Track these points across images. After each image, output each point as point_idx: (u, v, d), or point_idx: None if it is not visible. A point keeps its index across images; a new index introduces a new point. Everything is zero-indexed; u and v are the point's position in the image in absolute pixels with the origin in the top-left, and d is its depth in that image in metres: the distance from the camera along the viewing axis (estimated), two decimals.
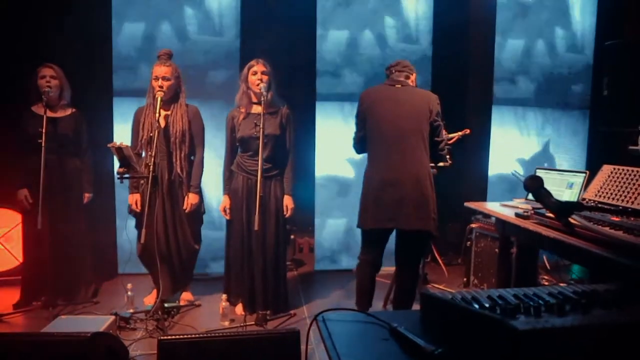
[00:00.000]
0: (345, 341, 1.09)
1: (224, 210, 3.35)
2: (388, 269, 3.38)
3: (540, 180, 1.25)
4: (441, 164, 3.11)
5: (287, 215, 3.34)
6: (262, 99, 3.10)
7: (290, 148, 3.37)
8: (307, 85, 4.38)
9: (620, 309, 1.03)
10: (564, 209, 1.18)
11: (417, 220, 2.78)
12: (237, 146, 3.34)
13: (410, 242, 2.92)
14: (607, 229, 2.01)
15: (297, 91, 4.29)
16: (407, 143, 2.82)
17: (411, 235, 2.86)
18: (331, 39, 4.30)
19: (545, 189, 1.23)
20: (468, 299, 1.12)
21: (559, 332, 0.90)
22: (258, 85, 3.15)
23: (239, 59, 4.12)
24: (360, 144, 3.05)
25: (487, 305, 1.06)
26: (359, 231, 3.03)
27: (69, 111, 3.49)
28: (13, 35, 3.89)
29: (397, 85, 2.94)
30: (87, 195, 3.57)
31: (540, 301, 1.07)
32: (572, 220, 1.14)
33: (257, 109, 3.23)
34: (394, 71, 2.99)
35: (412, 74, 3.03)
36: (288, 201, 3.33)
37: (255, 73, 3.19)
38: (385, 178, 2.81)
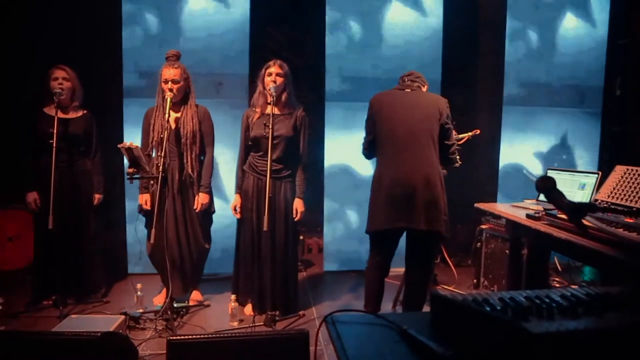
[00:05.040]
0: (354, 343, 1.08)
1: (235, 209, 3.35)
2: (397, 270, 3.36)
3: (552, 181, 1.23)
4: (452, 165, 3.10)
5: (296, 219, 3.32)
6: (271, 99, 3.11)
7: (304, 152, 3.36)
8: (315, 86, 4.38)
9: (636, 313, 1.01)
10: (577, 210, 1.16)
11: (428, 221, 2.76)
12: (250, 146, 3.34)
13: (420, 243, 2.90)
14: (620, 230, 1.99)
15: (306, 92, 4.28)
16: (418, 144, 2.81)
17: (422, 236, 2.84)
18: (340, 39, 4.30)
19: (557, 190, 1.21)
20: (479, 301, 1.11)
21: (573, 336, 0.89)
22: (270, 85, 3.16)
23: (248, 59, 4.13)
24: (369, 149, 3.03)
25: (498, 307, 1.04)
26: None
27: (80, 112, 3.51)
28: (24, 36, 3.93)
29: (407, 90, 2.94)
30: (97, 196, 3.58)
31: (553, 304, 1.05)
32: (585, 222, 1.12)
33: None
34: (406, 80, 3.00)
35: (424, 86, 3.02)
36: (298, 204, 3.32)
37: (270, 74, 3.20)
38: (396, 178, 2.80)
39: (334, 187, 4.42)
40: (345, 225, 4.46)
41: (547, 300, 1.09)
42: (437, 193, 2.80)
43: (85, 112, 3.53)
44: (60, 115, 3.29)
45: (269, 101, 3.21)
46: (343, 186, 4.42)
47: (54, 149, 3.15)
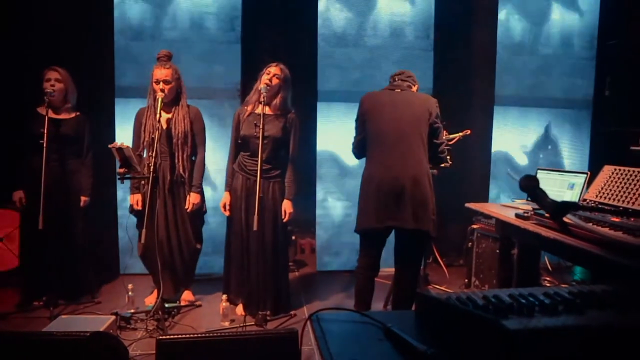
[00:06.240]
0: (338, 341, 1.08)
1: (224, 207, 3.35)
2: (388, 270, 3.37)
3: (535, 180, 1.24)
4: (442, 165, 3.11)
5: (285, 220, 3.32)
6: (262, 98, 3.11)
7: (294, 154, 3.35)
8: (308, 85, 4.38)
9: (617, 311, 1.02)
10: (558, 209, 1.17)
11: (416, 220, 2.77)
12: (239, 145, 3.34)
13: (409, 242, 2.92)
14: (606, 229, 2.01)
15: (298, 91, 4.29)
16: (406, 144, 2.82)
17: (410, 235, 2.85)
18: (333, 39, 4.31)
19: (540, 189, 1.22)
20: (463, 299, 1.12)
21: (551, 333, 0.90)
22: (265, 84, 3.16)
23: (240, 58, 4.14)
24: (359, 148, 3.04)
25: (480, 305, 1.05)
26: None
27: (73, 114, 3.51)
28: (18, 37, 3.92)
29: (397, 90, 2.95)
30: (83, 198, 3.54)
31: (535, 301, 1.06)
32: (567, 220, 1.14)
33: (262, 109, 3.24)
34: (397, 79, 3.01)
35: (414, 85, 3.04)
36: (287, 206, 3.31)
37: (268, 73, 3.21)
38: (385, 178, 2.81)
39: (327, 187, 4.42)
40: (338, 226, 4.47)
41: (531, 298, 1.10)
42: (426, 193, 2.81)
43: (78, 113, 3.53)
44: (52, 115, 3.29)
45: (261, 99, 3.22)
46: (336, 187, 4.42)
47: (45, 148, 3.15)
